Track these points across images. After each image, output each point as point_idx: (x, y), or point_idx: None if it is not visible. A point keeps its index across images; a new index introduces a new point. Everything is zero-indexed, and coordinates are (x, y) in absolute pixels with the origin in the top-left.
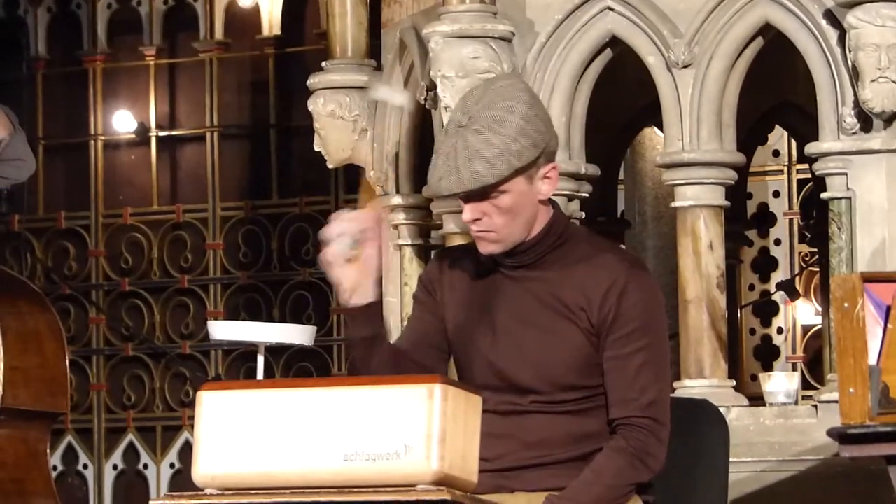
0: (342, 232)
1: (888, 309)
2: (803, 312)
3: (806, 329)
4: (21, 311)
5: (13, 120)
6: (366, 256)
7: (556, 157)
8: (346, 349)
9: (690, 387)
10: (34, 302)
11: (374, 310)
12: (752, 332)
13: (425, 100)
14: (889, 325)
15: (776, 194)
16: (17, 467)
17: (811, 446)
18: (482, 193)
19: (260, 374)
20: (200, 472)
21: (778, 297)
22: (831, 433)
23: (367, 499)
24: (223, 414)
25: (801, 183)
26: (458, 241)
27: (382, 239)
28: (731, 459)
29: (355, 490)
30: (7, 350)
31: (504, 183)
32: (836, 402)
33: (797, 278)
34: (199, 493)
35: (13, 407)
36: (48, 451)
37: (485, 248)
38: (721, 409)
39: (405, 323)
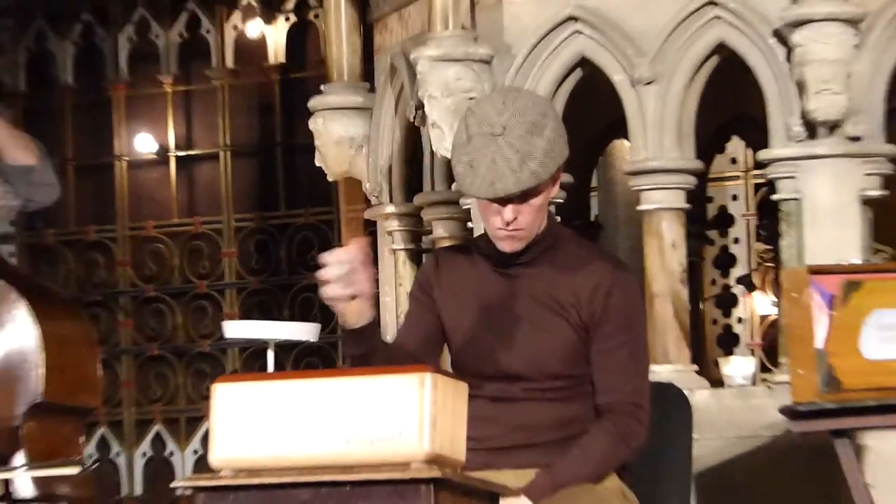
0: (337, 271)
1: (832, 298)
2: (760, 303)
3: (763, 318)
4: (58, 318)
5: (41, 149)
6: (360, 284)
7: None
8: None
9: (657, 371)
10: (69, 309)
11: (369, 330)
12: (715, 322)
13: (414, 117)
14: (833, 313)
15: (734, 198)
16: (55, 455)
17: (767, 423)
18: (526, 194)
19: (270, 369)
20: (216, 456)
21: (737, 290)
22: (783, 411)
23: (366, 477)
24: (236, 404)
25: (758, 187)
26: (446, 244)
27: (369, 264)
28: (694, 436)
29: (356, 469)
30: (48, 352)
31: (549, 181)
32: (788, 382)
33: (754, 273)
34: (216, 474)
35: (52, 401)
36: (83, 441)
37: (511, 246)
38: (685, 392)
39: (403, 319)
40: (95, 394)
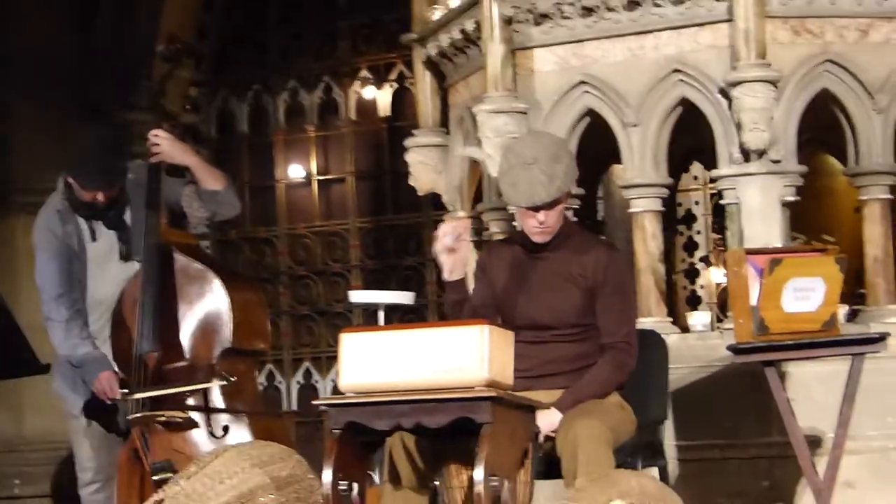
0: (450, 231)
1: (762, 270)
2: (716, 275)
3: (717, 285)
4: (241, 290)
5: (227, 179)
6: (460, 248)
7: None
8: (441, 306)
9: (643, 322)
10: (248, 283)
11: (462, 283)
12: (684, 288)
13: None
14: (763, 280)
15: (696, 203)
16: (239, 383)
17: (718, 357)
18: (553, 202)
19: (381, 323)
20: (343, 382)
21: (699, 266)
22: (729, 348)
23: (444, 396)
24: (357, 347)
25: (712, 196)
26: (498, 237)
27: (468, 238)
28: (669, 367)
29: (437, 391)
30: (235, 313)
31: (565, 194)
32: (732, 329)
33: (711, 254)
34: (344, 395)
35: (238, 347)
36: (256, 373)
37: (542, 239)
38: (662, 336)
39: (472, 292)
40: (266, 341)
